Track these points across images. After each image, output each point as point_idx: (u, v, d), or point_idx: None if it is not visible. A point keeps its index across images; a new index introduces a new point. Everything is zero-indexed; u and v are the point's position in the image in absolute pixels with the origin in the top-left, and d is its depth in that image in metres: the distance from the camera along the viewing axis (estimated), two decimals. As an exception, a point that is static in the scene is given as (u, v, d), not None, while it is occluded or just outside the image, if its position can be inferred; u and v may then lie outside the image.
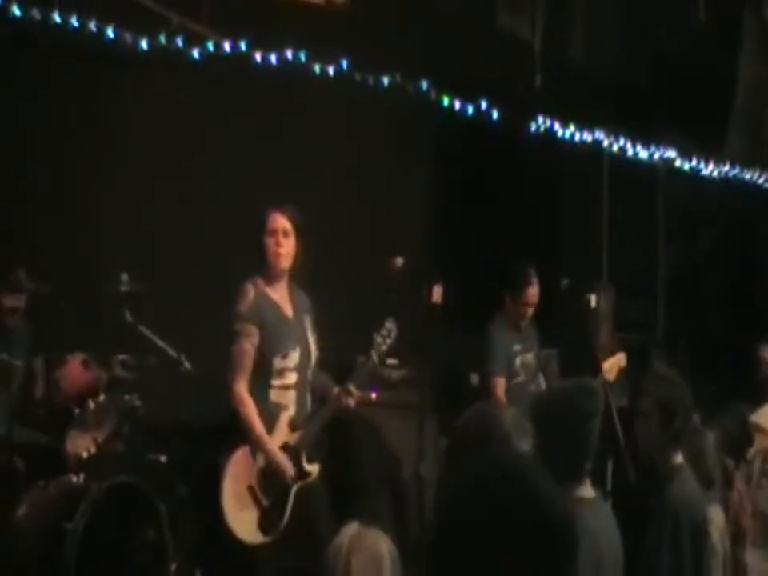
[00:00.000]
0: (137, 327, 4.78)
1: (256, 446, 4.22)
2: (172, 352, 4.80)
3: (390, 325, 4.43)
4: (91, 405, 4.60)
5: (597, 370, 4.97)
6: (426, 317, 4.60)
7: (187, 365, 4.80)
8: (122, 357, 4.82)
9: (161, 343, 4.80)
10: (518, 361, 5.62)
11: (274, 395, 4.30)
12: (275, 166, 6.37)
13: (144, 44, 5.64)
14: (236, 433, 4.27)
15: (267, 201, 6.22)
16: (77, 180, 5.73)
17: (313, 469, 4.34)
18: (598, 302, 5.53)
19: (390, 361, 5.92)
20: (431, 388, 5.31)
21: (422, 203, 7.34)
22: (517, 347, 5.66)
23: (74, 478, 4.45)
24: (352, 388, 4.36)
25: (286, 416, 4.31)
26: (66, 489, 4.40)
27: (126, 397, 4.74)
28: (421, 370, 4.72)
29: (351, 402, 4.38)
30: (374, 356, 4.42)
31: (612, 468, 4.09)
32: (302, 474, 4.31)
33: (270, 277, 4.38)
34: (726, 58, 7.46)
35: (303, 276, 4.53)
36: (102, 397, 4.65)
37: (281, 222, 4.36)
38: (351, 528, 2.45)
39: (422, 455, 4.66)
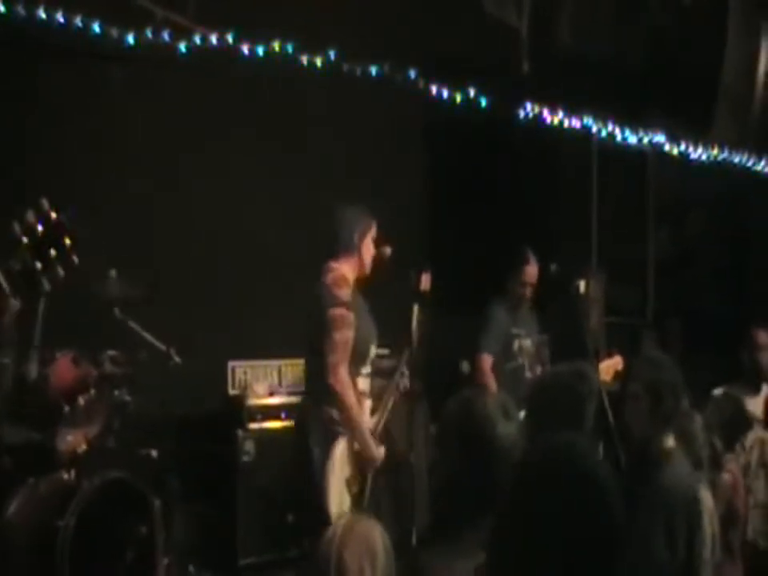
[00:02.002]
0: (126, 323, 4.76)
1: (356, 435, 4.34)
2: (161, 346, 4.78)
3: (417, 309, 4.68)
4: (81, 401, 4.58)
5: (590, 356, 4.97)
6: (416, 305, 4.62)
7: (177, 359, 4.78)
8: (111, 353, 4.80)
9: (150, 338, 4.78)
10: (516, 344, 5.72)
11: (360, 384, 4.45)
12: (264, 158, 6.36)
13: (130, 38, 5.63)
14: (327, 423, 4.33)
15: (254, 193, 6.28)
16: (63, 177, 5.70)
17: (382, 453, 4.50)
18: (587, 287, 5.54)
19: (380, 350, 5.93)
20: (422, 376, 5.32)
21: (410, 192, 7.33)
22: (516, 330, 5.77)
23: (65, 475, 4.43)
24: (406, 371, 4.65)
25: (368, 403, 4.49)
26: (57, 486, 4.38)
27: (116, 392, 4.72)
28: (411, 358, 4.72)
29: (407, 384, 4.66)
30: (415, 339, 4.67)
31: (602, 452, 4.10)
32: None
33: (357, 272, 4.54)
34: (713, 41, 7.45)
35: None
36: (91, 393, 4.62)
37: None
38: (344, 517, 2.45)
39: (412, 443, 4.69)
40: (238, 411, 5.87)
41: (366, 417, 4.46)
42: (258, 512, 5.55)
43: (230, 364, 6.14)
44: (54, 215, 2.44)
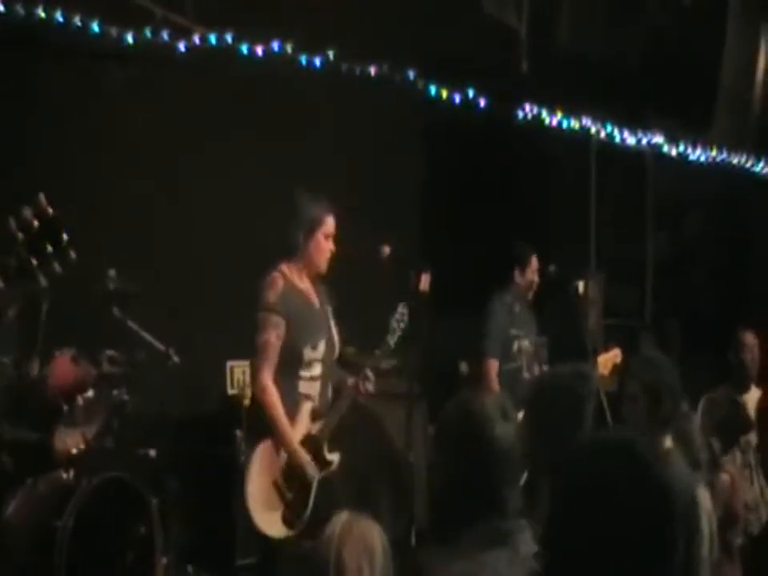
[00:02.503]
0: (125, 322, 4.76)
1: (279, 440, 4.21)
2: (160, 346, 4.78)
3: (402, 309, 4.48)
4: (80, 401, 4.57)
5: (589, 356, 4.98)
6: (415, 305, 4.60)
7: (176, 359, 4.78)
8: (110, 352, 4.80)
9: (149, 338, 4.78)
10: (515, 345, 5.67)
11: (301, 386, 4.31)
12: (263, 158, 6.35)
13: (129, 38, 5.64)
14: (257, 425, 4.26)
15: (253, 192, 6.28)
16: (62, 176, 5.70)
17: (334, 458, 4.36)
18: (586, 288, 5.55)
19: (378, 351, 5.93)
20: (420, 377, 5.32)
21: (409, 192, 7.33)
22: (515, 331, 5.73)
23: (64, 475, 4.42)
24: (370, 374, 4.41)
25: (308, 406, 4.32)
26: (55, 485, 4.37)
27: (115, 392, 4.71)
28: (410, 358, 4.71)
29: (370, 388, 4.42)
30: (390, 341, 4.47)
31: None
32: (323, 463, 4.32)
33: (306, 271, 4.39)
34: (713, 41, 7.45)
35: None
36: (90, 393, 4.61)
37: (334, 225, 4.39)
38: (342, 517, 2.45)
39: (411, 443, 4.67)
40: (236, 411, 5.86)
41: (305, 422, 4.30)
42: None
43: (229, 364, 6.12)
44: (50, 211, 2.43)
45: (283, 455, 4.23)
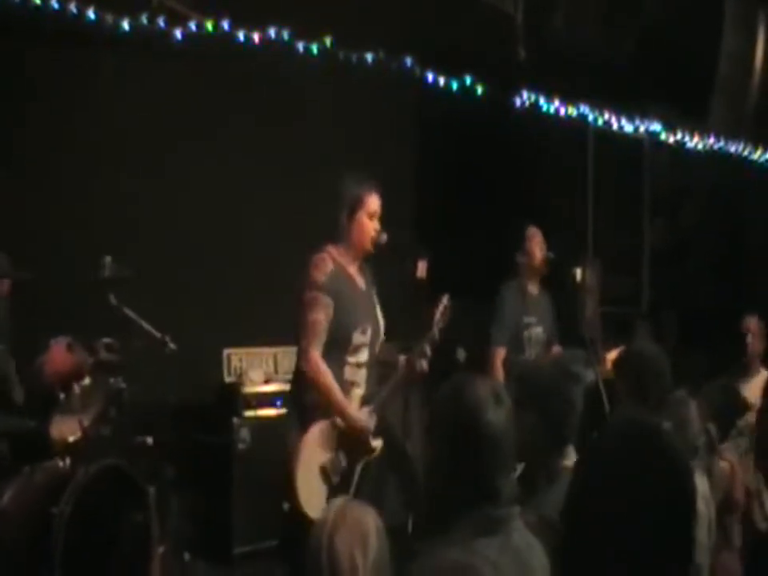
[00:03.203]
0: (121, 310, 4.74)
1: (336, 412, 4.15)
2: (156, 334, 4.77)
3: (446, 300, 4.47)
4: (76, 389, 4.56)
5: (587, 344, 4.96)
6: (412, 292, 4.58)
7: (172, 346, 4.77)
8: (106, 340, 4.78)
9: (145, 325, 4.77)
10: (526, 334, 5.57)
11: (348, 372, 4.25)
12: (260, 144, 6.34)
13: (125, 25, 5.61)
14: (302, 409, 4.21)
15: (249, 179, 6.26)
16: (59, 164, 5.69)
17: (377, 444, 4.33)
18: (583, 276, 5.52)
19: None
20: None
21: (406, 179, 7.32)
22: (527, 319, 5.61)
23: (60, 463, 4.40)
24: (428, 349, 4.33)
25: (357, 393, 4.27)
26: (51, 474, 4.36)
27: (112, 380, 4.70)
28: (407, 345, 4.69)
29: (425, 365, 4.32)
30: (435, 332, 4.42)
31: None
32: (368, 450, 4.29)
33: (352, 253, 4.33)
34: (710, 29, 7.43)
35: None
36: (87, 380, 4.60)
37: (378, 204, 4.33)
38: (336, 502, 2.44)
39: (408, 430, 4.66)
40: (233, 399, 5.86)
41: (354, 407, 4.24)
42: (254, 500, 5.54)
43: (226, 351, 6.13)
44: None
45: (339, 426, 4.18)
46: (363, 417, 4.24)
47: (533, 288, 5.71)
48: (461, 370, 5.62)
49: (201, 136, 6.14)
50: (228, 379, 6.11)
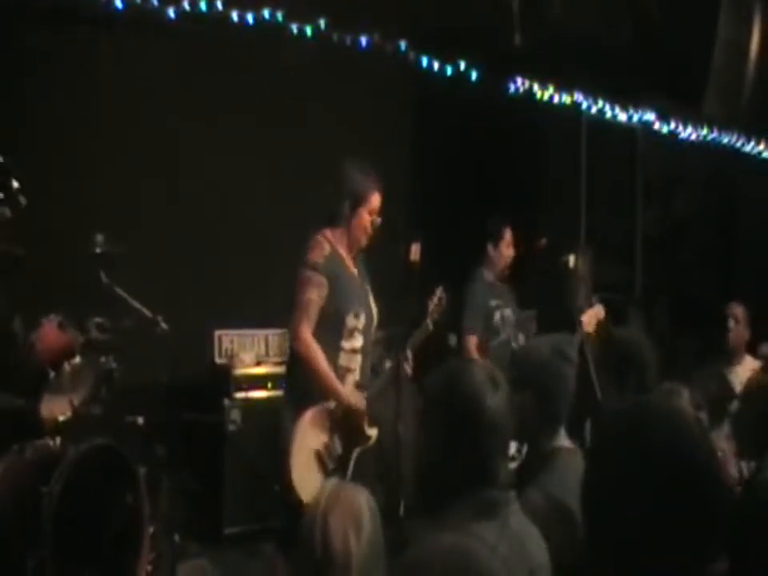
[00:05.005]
0: (112, 288, 4.72)
1: (326, 392, 4.16)
2: (148, 313, 4.75)
3: (440, 292, 4.52)
4: (67, 367, 4.53)
5: (575, 323, 4.98)
6: (404, 275, 4.58)
7: (164, 326, 4.75)
8: (97, 319, 4.75)
9: (137, 304, 4.75)
10: (497, 315, 5.71)
11: (343, 358, 4.26)
12: (253, 126, 6.32)
13: (118, 3, 5.57)
14: (297, 394, 4.21)
15: (242, 162, 6.24)
16: (51, 141, 5.65)
17: (372, 433, 4.35)
18: (576, 262, 5.52)
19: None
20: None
21: (400, 163, 7.30)
22: (494, 302, 5.77)
23: (50, 442, 4.37)
24: (409, 355, 4.41)
25: (352, 379, 4.29)
26: (42, 453, 4.32)
27: (102, 359, 4.67)
28: (399, 329, 4.70)
29: (409, 369, 4.40)
30: (429, 323, 4.48)
31: (591, 423, 4.10)
32: (363, 438, 4.31)
33: (348, 243, 4.37)
34: (705, 19, 7.43)
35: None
36: (77, 359, 4.57)
37: (379, 203, 4.37)
38: (330, 484, 2.43)
39: (400, 415, 4.65)
40: (224, 380, 5.86)
41: (349, 392, 4.27)
42: (244, 481, 5.54)
43: (217, 333, 6.11)
44: None
45: (327, 423, 4.20)
46: (356, 397, 4.24)
47: (496, 278, 5.93)
48: (452, 354, 5.63)
49: (194, 116, 6.11)
50: (219, 361, 6.09)
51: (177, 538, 4.69)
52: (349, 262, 4.42)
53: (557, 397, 2.89)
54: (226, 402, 5.78)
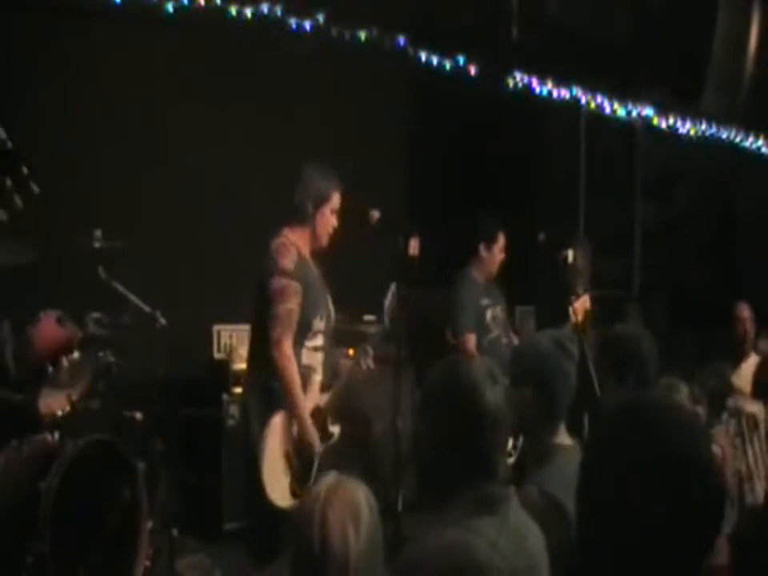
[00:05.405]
0: (111, 284, 4.71)
1: (293, 411, 4.18)
2: (146, 308, 4.74)
3: (393, 288, 4.50)
4: (65, 362, 4.53)
5: (566, 318, 4.99)
6: (403, 270, 4.57)
7: (162, 321, 4.75)
8: (96, 314, 4.75)
9: (135, 300, 4.74)
10: (488, 314, 5.72)
11: (305, 357, 4.28)
12: (250, 117, 6.31)
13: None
14: (269, 395, 4.22)
15: (243, 154, 6.23)
16: (49, 134, 5.64)
17: (335, 430, 4.38)
18: (575, 257, 5.52)
19: (368, 316, 5.92)
20: (408, 342, 5.30)
21: (399, 157, 7.30)
22: (485, 301, 5.76)
23: (49, 437, 4.38)
24: (370, 350, 4.42)
25: (317, 378, 4.32)
26: (40, 447, 4.33)
27: (101, 354, 4.68)
28: (397, 324, 4.68)
29: (370, 364, 4.43)
30: (386, 319, 4.48)
31: (589, 420, 4.09)
32: (326, 435, 4.33)
33: (310, 241, 4.36)
34: (704, 14, 7.42)
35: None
36: (76, 354, 4.57)
37: (340, 201, 4.37)
38: (329, 477, 2.42)
39: (398, 410, 4.65)
40: (223, 375, 5.86)
41: (314, 393, 4.32)
42: (243, 476, 5.53)
43: (216, 328, 6.11)
44: (8, 144, 2.34)
45: (294, 427, 4.22)
46: (312, 429, 4.24)
47: (487, 278, 5.90)
48: (450, 348, 5.63)
49: (193, 110, 6.10)
50: (218, 356, 6.10)
51: (175, 533, 4.68)
52: (312, 264, 4.42)
53: (557, 393, 2.88)
54: (225, 396, 5.78)
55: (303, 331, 4.25)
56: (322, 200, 4.32)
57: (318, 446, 4.26)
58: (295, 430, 4.22)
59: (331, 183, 4.37)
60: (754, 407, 4.61)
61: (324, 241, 4.38)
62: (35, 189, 2.38)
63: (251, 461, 4.14)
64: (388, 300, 4.48)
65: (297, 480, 4.22)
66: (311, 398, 4.30)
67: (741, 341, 5.90)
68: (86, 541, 4.19)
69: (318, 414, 4.31)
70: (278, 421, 4.18)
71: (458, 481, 2.25)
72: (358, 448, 5.36)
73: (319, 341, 4.35)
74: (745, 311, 5.99)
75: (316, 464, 4.25)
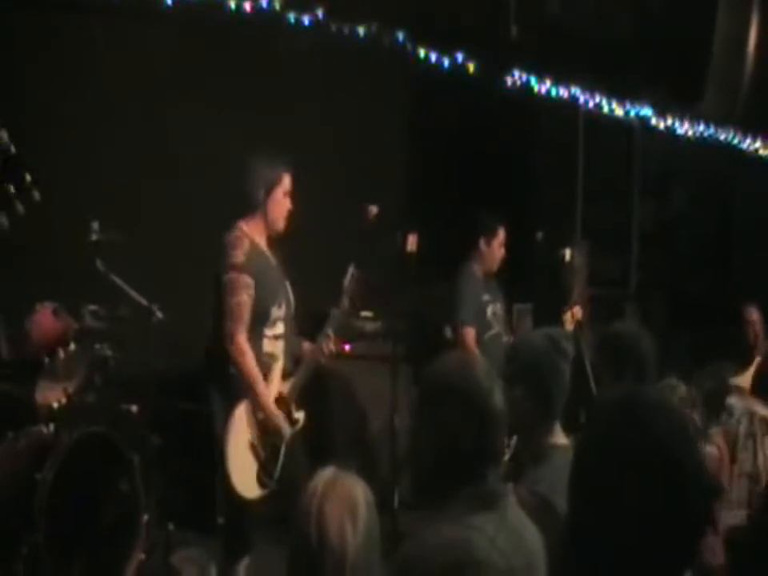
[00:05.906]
0: (108, 276, 4.71)
1: (256, 401, 4.19)
2: (144, 301, 4.73)
3: (352, 270, 4.45)
4: (61, 354, 4.52)
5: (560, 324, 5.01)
6: (401, 266, 4.57)
7: (159, 314, 4.74)
8: (92, 306, 4.75)
9: (132, 293, 4.73)
10: (489, 311, 5.72)
11: (267, 345, 4.28)
12: (249, 113, 6.30)
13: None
14: (232, 387, 4.22)
15: (241, 148, 6.21)
16: (46, 127, 5.63)
17: (300, 416, 4.37)
18: (572, 256, 5.52)
19: (365, 313, 5.92)
20: (405, 339, 5.30)
21: (397, 154, 7.29)
22: (486, 297, 5.76)
23: (45, 429, 4.36)
24: (330, 333, 4.38)
25: (279, 366, 4.31)
26: (36, 439, 4.32)
27: (97, 346, 4.67)
28: (395, 321, 4.69)
29: (332, 347, 4.39)
30: (345, 301, 4.42)
31: (585, 419, 4.09)
32: (291, 422, 4.33)
33: (265, 229, 4.35)
34: (704, 14, 7.42)
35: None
36: (72, 347, 4.57)
37: (290, 183, 4.35)
38: (326, 472, 2.41)
39: (396, 406, 4.65)
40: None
41: (275, 381, 4.31)
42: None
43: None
44: (12, 149, 2.33)
45: (259, 416, 4.22)
46: (277, 414, 4.25)
47: (486, 273, 5.89)
48: (448, 345, 5.63)
49: (192, 102, 6.09)
50: (214, 350, 6.06)
51: (171, 526, 4.67)
52: (268, 252, 4.40)
53: (552, 392, 2.87)
54: (221, 390, 5.75)
55: (262, 320, 4.25)
56: (272, 184, 4.31)
57: (286, 431, 4.26)
58: (260, 418, 4.22)
59: (279, 166, 4.36)
60: (766, 411, 4.61)
61: (280, 225, 4.36)
62: (37, 196, 2.37)
63: (217, 454, 4.16)
64: (347, 281, 4.45)
65: (263, 470, 4.22)
66: (274, 386, 4.30)
67: (752, 344, 5.90)
68: (82, 533, 4.18)
69: (281, 401, 4.31)
70: (242, 410, 4.19)
71: (459, 479, 2.24)
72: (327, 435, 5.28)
73: (279, 329, 4.34)
74: (754, 314, 5.99)
75: (283, 452, 4.25)
